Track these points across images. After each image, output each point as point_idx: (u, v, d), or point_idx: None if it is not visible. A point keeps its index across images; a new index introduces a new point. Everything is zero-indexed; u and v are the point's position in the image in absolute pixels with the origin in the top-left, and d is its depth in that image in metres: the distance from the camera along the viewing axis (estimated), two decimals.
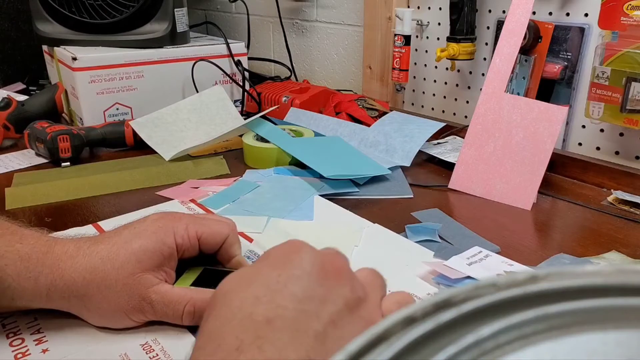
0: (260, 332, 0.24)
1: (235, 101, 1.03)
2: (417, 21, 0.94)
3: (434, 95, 0.96)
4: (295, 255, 0.29)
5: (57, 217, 0.61)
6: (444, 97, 0.94)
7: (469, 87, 0.90)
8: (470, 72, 0.89)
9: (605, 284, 0.15)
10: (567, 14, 0.73)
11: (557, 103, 0.67)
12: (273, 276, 0.27)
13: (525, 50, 0.74)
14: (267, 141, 0.77)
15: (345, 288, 0.28)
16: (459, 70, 0.90)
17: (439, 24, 0.91)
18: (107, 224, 0.57)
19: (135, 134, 0.83)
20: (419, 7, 0.94)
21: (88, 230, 0.55)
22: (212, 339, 0.25)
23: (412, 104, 1.01)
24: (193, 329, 0.39)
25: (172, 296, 0.38)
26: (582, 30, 0.71)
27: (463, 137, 0.73)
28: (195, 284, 0.42)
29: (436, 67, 0.94)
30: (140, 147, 0.83)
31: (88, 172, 0.74)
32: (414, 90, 1.00)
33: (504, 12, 0.81)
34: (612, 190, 0.66)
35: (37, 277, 0.37)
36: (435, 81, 0.95)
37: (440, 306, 0.15)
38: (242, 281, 0.28)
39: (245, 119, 0.85)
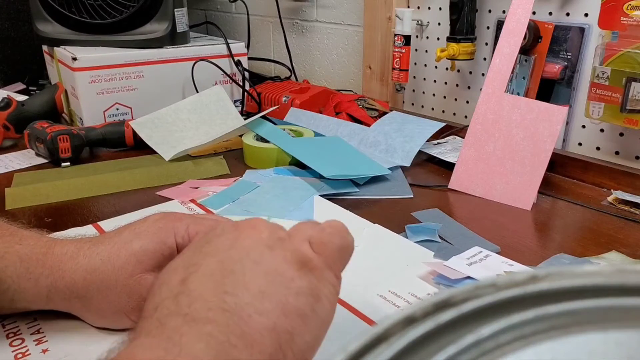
0: (175, 290, 0.27)
1: (235, 101, 1.03)
2: (417, 21, 0.94)
3: (434, 95, 0.96)
4: (216, 231, 0.32)
5: (57, 217, 0.61)
6: (444, 97, 0.94)
7: (469, 87, 0.90)
8: (470, 72, 0.89)
9: (605, 284, 0.15)
10: (567, 14, 0.73)
11: (557, 103, 0.67)
12: (191, 251, 0.30)
13: (525, 50, 0.74)
14: (267, 141, 0.77)
15: (262, 233, 0.30)
16: (459, 70, 0.90)
17: (439, 24, 0.91)
18: (107, 224, 0.57)
19: (135, 134, 0.83)
20: (419, 7, 0.94)
21: (88, 230, 0.55)
22: (141, 313, 0.28)
23: (412, 104, 1.01)
24: None
25: None
26: (582, 30, 0.71)
27: (463, 137, 0.73)
28: None
29: (436, 67, 0.94)
30: (140, 147, 0.83)
31: (88, 172, 0.74)
32: (414, 90, 1.00)
33: (504, 12, 0.81)
34: (612, 190, 0.66)
35: (37, 279, 0.37)
36: (435, 81, 0.95)
37: (440, 306, 0.15)
38: (172, 263, 0.31)
39: (245, 119, 0.85)
